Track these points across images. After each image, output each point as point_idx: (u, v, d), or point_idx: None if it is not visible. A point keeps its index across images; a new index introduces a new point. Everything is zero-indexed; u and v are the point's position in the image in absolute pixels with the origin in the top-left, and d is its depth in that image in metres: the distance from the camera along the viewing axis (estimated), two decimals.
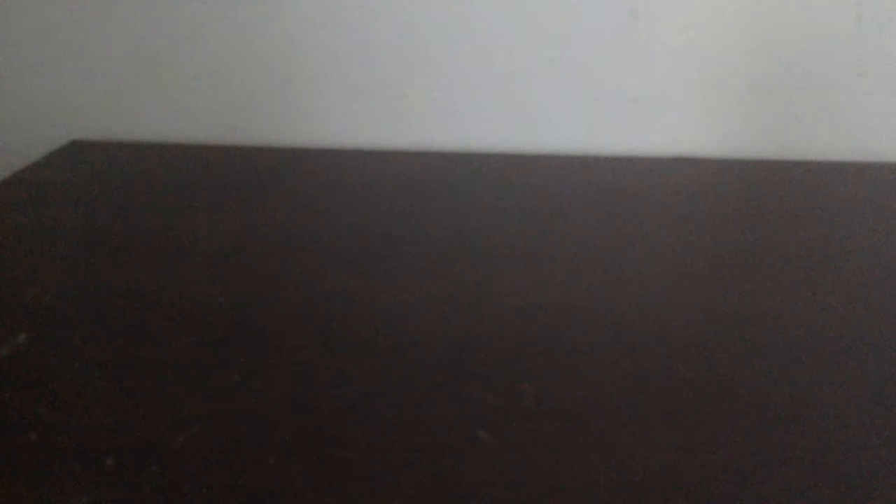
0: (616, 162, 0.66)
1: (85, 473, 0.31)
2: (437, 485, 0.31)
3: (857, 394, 0.36)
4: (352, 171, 0.64)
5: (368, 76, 0.69)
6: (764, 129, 0.68)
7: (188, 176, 0.63)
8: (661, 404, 0.35)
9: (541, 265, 0.48)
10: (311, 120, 0.71)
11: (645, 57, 0.66)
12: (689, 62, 0.66)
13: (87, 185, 0.62)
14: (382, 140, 0.71)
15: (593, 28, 0.65)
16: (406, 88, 0.69)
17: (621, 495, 0.30)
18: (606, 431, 0.33)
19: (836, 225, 0.54)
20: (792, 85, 0.66)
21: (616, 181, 0.62)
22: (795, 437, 0.33)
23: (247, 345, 0.40)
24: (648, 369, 0.38)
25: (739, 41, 0.65)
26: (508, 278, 0.46)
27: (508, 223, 0.54)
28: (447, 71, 0.68)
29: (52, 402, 0.36)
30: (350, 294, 0.45)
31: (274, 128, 0.71)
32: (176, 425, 0.34)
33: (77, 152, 0.69)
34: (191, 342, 0.40)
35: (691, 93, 0.67)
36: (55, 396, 0.36)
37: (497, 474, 0.31)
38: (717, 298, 0.44)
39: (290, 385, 0.37)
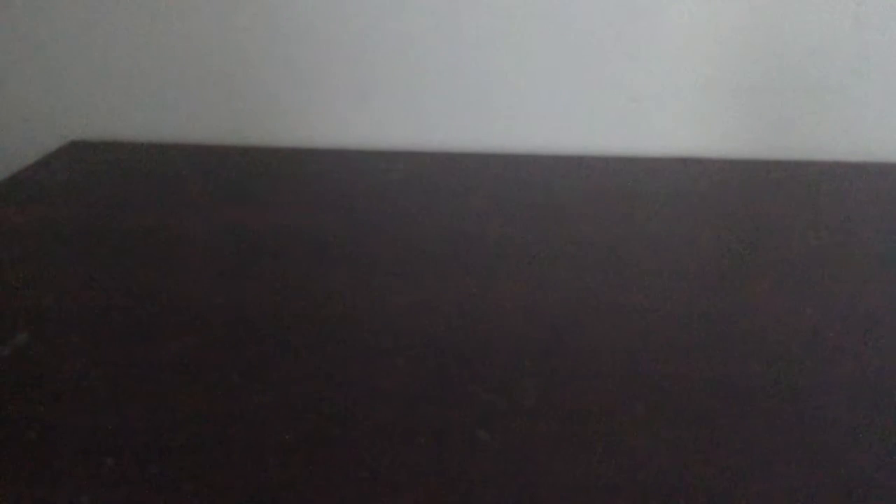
0: (616, 162, 0.66)
1: (85, 473, 0.31)
2: (437, 485, 0.31)
3: (857, 394, 0.36)
4: (352, 171, 0.64)
5: (368, 76, 0.69)
6: (764, 129, 0.68)
7: (188, 176, 0.63)
8: (661, 404, 0.35)
9: (541, 265, 0.48)
10: (311, 120, 0.71)
11: (645, 57, 0.66)
12: (689, 62, 0.66)
13: (87, 185, 0.62)
14: (382, 140, 0.71)
15: (593, 28, 0.65)
16: (406, 88, 0.69)
17: (621, 495, 0.30)
18: (606, 431, 0.33)
19: (836, 225, 0.54)
20: (791, 85, 0.66)
21: (616, 181, 0.62)
22: (795, 437, 0.33)
23: (247, 345, 0.40)
24: (648, 369, 0.38)
25: (739, 41, 0.65)
26: (508, 278, 0.46)
27: (508, 223, 0.54)
28: (447, 71, 0.68)
29: (52, 402, 0.36)
30: (350, 294, 0.45)
31: (274, 128, 0.71)
32: (176, 425, 0.34)
33: (77, 152, 0.69)
34: (191, 342, 0.40)
35: (691, 93, 0.67)
36: (55, 396, 0.36)
37: (497, 474, 0.31)
38: (717, 298, 0.44)
39: (290, 385, 0.37)
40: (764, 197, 0.59)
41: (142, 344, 0.40)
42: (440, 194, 0.59)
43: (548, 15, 0.65)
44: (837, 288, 0.45)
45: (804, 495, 0.30)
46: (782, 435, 0.33)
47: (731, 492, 0.30)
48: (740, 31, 0.65)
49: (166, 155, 0.68)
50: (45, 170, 0.65)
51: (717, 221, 0.55)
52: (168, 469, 0.31)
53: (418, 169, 0.65)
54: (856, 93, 0.66)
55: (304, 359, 0.39)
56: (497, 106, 0.69)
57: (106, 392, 0.36)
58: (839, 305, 0.43)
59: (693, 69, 0.66)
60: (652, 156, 0.68)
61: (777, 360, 0.38)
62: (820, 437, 0.33)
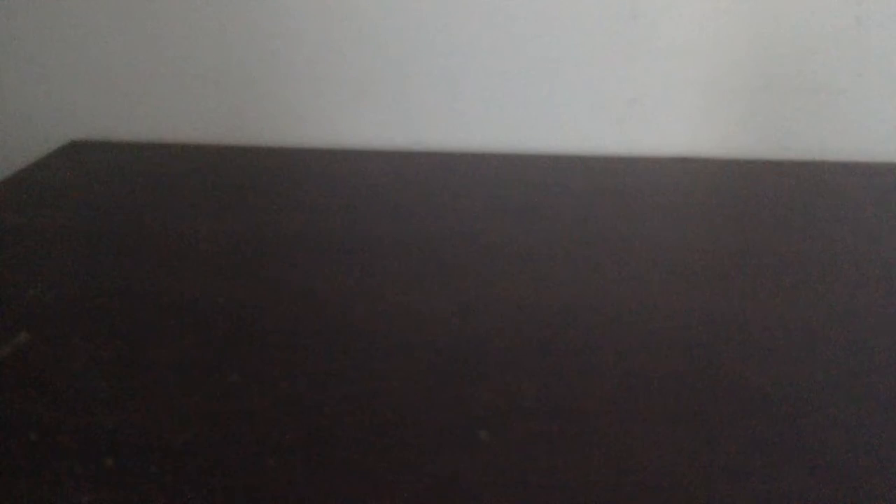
0: (616, 162, 0.66)
1: (85, 473, 0.31)
2: (437, 485, 0.31)
3: (857, 394, 0.36)
4: (352, 171, 0.64)
5: (368, 76, 0.69)
6: (764, 129, 0.68)
7: (188, 176, 0.63)
8: (661, 404, 0.35)
9: (541, 265, 0.48)
10: (311, 120, 0.71)
11: (645, 57, 0.66)
12: (689, 62, 0.66)
13: (87, 185, 0.62)
14: (382, 140, 0.71)
15: (593, 28, 0.65)
16: (406, 88, 0.69)
17: (621, 495, 0.30)
18: (606, 431, 0.33)
19: (836, 225, 0.54)
20: (792, 85, 0.66)
21: (616, 181, 0.62)
22: (795, 437, 0.33)
23: (247, 345, 0.40)
24: (649, 369, 0.38)
25: (739, 41, 0.65)
26: (508, 278, 0.46)
27: (508, 223, 0.54)
28: (447, 71, 0.68)
29: (52, 402, 0.36)
30: (350, 294, 0.45)
31: (274, 128, 0.71)
32: (176, 425, 0.34)
33: (77, 152, 0.69)
34: (191, 342, 0.40)
35: (691, 93, 0.67)
36: (55, 396, 0.36)
37: (497, 474, 0.31)
38: (717, 298, 0.44)
39: (290, 385, 0.37)
40: (764, 197, 0.59)
41: (142, 344, 0.40)
42: (439, 194, 0.59)
43: (547, 15, 0.65)
44: (837, 288, 0.45)
45: (804, 495, 0.30)
46: (782, 435, 0.33)
47: (731, 492, 0.30)
48: (740, 31, 0.65)
49: (166, 155, 0.68)
50: (45, 170, 0.65)
51: (716, 221, 0.55)
52: (168, 469, 0.31)
53: (417, 169, 0.65)
54: (856, 93, 0.66)
55: (304, 359, 0.39)
56: (496, 106, 0.69)
57: (106, 392, 0.36)
58: (839, 305, 0.43)
59: (693, 69, 0.66)
60: (652, 156, 0.68)
61: (777, 360, 0.38)
62: (820, 437, 0.33)
